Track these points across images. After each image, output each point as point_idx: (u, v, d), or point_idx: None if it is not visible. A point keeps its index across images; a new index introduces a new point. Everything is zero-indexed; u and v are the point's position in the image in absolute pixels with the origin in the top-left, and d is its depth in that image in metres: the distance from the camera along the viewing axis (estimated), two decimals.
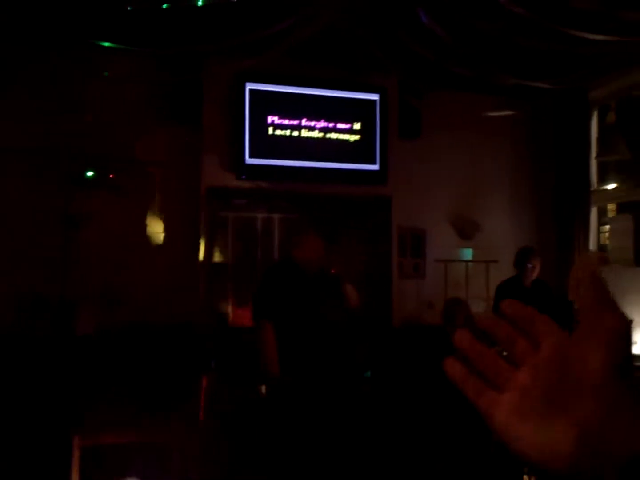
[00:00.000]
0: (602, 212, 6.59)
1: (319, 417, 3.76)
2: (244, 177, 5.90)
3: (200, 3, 4.45)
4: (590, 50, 5.70)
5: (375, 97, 6.27)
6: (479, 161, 6.68)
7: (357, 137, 6.18)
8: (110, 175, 5.61)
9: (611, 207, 6.56)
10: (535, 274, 5.05)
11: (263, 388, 4.01)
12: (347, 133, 6.17)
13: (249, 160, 5.89)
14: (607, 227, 6.48)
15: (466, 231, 6.51)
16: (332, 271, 4.06)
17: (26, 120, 5.46)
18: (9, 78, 5.41)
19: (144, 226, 5.84)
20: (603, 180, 6.49)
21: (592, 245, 6.36)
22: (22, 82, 5.44)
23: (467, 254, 6.47)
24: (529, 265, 5.00)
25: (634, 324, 4.66)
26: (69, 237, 5.51)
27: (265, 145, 5.96)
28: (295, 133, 6.03)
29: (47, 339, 4.97)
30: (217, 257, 5.80)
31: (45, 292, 5.36)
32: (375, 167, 6.19)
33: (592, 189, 6.37)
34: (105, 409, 4.08)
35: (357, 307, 4.03)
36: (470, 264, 6.38)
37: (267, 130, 5.95)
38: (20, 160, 5.41)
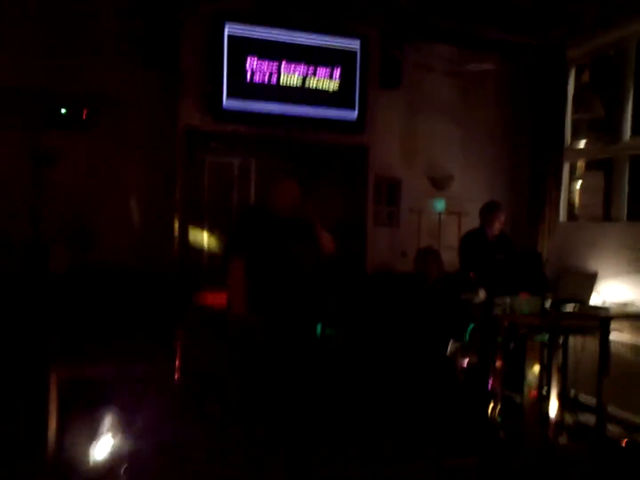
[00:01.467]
0: (572, 170, 6.71)
1: (282, 355, 3.85)
2: (221, 120, 5.84)
3: None
4: (572, 7, 5.72)
5: (356, 43, 6.20)
6: (457, 114, 6.72)
7: (336, 83, 6.14)
8: (84, 111, 5.49)
9: (580, 164, 6.70)
10: (498, 228, 5.15)
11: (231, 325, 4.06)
12: (327, 79, 6.12)
13: (226, 103, 5.82)
14: (578, 183, 6.62)
15: (440, 182, 6.59)
16: (307, 217, 4.09)
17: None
18: None
19: (117, 167, 5.76)
20: (575, 137, 6.60)
21: (563, 200, 6.50)
22: None
23: (440, 205, 6.55)
24: (492, 219, 5.10)
25: (599, 277, 4.84)
26: (40, 176, 5.41)
27: (244, 88, 5.88)
28: (275, 77, 5.96)
29: (20, 275, 4.94)
30: (192, 200, 5.77)
31: (17, 231, 5.30)
32: (354, 115, 6.18)
33: (565, 146, 6.48)
34: (80, 344, 4.13)
35: (332, 253, 4.09)
36: (442, 214, 6.49)
37: (245, 72, 5.86)
38: None
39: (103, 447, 3.60)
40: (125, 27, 5.71)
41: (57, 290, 4.71)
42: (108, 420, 3.81)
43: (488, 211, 5.15)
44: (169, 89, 5.78)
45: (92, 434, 3.75)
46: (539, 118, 6.55)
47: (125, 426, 3.78)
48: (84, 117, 5.47)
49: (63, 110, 5.41)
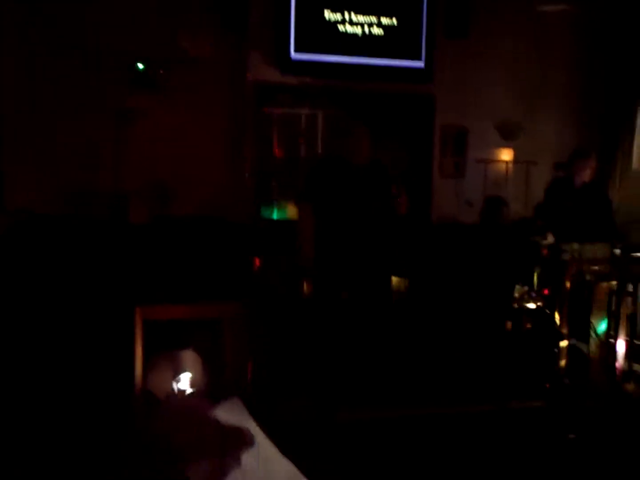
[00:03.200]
0: None
1: (350, 303, 3.99)
2: (288, 72, 5.92)
3: None
4: None
5: None
6: (528, 61, 6.51)
7: (403, 33, 6.09)
8: (160, 71, 5.69)
9: None
10: (584, 177, 5.02)
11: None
12: (393, 29, 6.07)
13: (294, 55, 5.89)
14: None
15: (508, 132, 6.47)
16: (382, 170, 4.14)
17: (75, 13, 5.55)
18: None
19: (191, 123, 5.95)
20: None
21: (637, 149, 6.29)
22: None
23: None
24: (580, 167, 4.97)
25: None
26: (121, 132, 5.69)
27: (310, 39, 5.92)
28: (341, 27, 5.97)
29: (103, 224, 5.27)
30: (261, 154, 5.93)
31: (99, 184, 5.64)
32: (421, 64, 6.12)
33: None
34: (161, 288, 4.39)
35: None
36: (510, 164, 6.40)
37: (312, 24, 5.90)
38: (75, 57, 5.54)
39: (184, 381, 3.87)
40: None
41: (138, 239, 5.00)
42: (188, 358, 4.06)
43: (575, 158, 5.01)
44: (240, 45, 5.90)
45: (174, 371, 4.02)
46: (614, 62, 6.30)
47: (203, 364, 4.02)
48: (161, 74, 5.66)
49: (140, 66, 5.61)
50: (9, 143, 5.53)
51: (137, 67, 5.62)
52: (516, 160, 6.36)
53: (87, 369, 3.92)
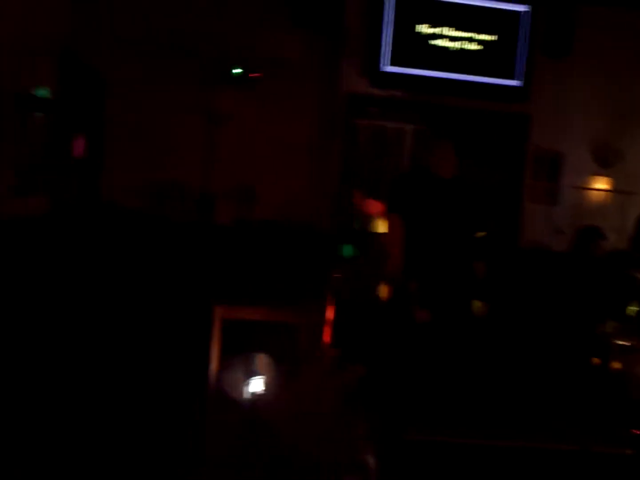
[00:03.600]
0: None
1: (438, 322, 3.86)
2: (378, 84, 5.88)
3: None
4: None
5: (523, 8, 5.93)
6: (631, 85, 6.20)
7: (500, 50, 5.93)
8: (252, 75, 5.76)
9: None
10: None
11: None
12: (490, 45, 5.92)
13: (385, 68, 5.84)
14: None
15: (607, 159, 6.17)
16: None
17: (174, 18, 5.71)
18: None
19: (279, 128, 6.00)
20: None
21: None
22: None
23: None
24: None
25: None
26: (212, 133, 5.80)
27: (403, 52, 5.86)
28: (435, 42, 5.88)
29: (191, 225, 5.38)
30: (349, 162, 5.90)
31: (188, 183, 5.76)
32: (518, 83, 5.93)
33: None
34: (241, 290, 4.41)
35: None
36: (605, 193, 6.09)
37: (405, 37, 5.84)
38: (169, 58, 5.70)
39: (256, 385, 3.85)
40: None
41: (222, 240, 5.06)
42: (262, 361, 4.05)
43: None
44: (330, 53, 5.91)
45: (248, 372, 4.01)
46: None
47: (277, 368, 3.99)
48: (253, 77, 5.72)
49: (237, 70, 5.70)
50: (111, 141, 5.73)
51: (232, 70, 5.72)
52: (612, 189, 6.04)
53: (165, 362, 3.97)
